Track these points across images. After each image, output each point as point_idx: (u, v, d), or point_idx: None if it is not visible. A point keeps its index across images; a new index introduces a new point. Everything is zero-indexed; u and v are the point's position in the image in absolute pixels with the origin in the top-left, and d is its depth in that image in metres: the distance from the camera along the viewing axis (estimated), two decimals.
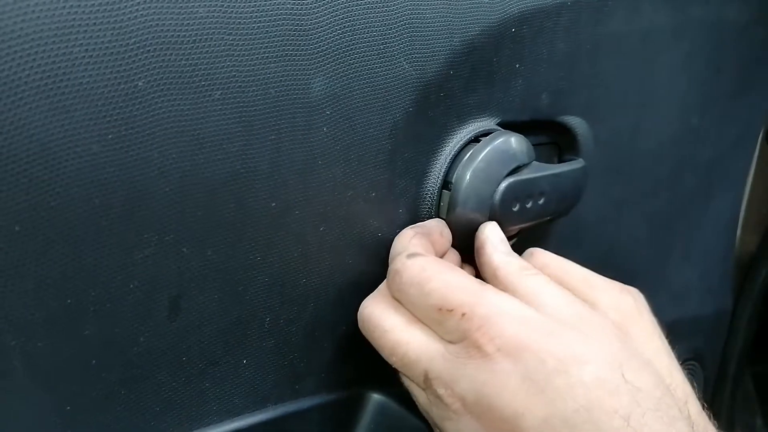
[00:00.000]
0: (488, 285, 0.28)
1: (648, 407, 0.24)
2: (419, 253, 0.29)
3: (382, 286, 0.30)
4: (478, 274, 0.31)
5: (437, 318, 0.27)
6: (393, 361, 0.28)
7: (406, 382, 0.29)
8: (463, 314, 0.26)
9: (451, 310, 0.26)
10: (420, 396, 0.29)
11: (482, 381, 0.25)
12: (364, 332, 0.30)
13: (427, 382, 0.27)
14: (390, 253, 0.31)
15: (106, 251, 0.24)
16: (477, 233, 0.32)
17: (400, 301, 0.29)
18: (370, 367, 0.34)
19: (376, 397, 0.35)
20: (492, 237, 0.31)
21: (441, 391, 0.26)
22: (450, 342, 0.27)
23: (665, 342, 0.30)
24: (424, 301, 0.27)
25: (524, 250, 0.33)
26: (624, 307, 0.30)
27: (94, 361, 0.25)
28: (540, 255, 0.32)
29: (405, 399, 0.35)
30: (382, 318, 0.29)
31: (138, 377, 0.26)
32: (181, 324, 0.27)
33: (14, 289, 0.22)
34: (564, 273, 0.31)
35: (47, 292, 0.23)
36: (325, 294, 0.31)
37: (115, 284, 0.24)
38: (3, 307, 0.22)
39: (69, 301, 0.23)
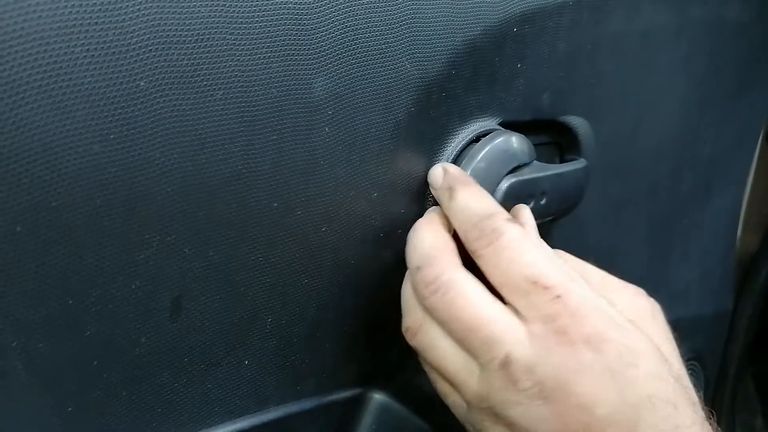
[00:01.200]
0: (576, 275, 0.28)
1: (681, 394, 0.26)
2: (517, 221, 0.28)
3: (451, 252, 0.29)
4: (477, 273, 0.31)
5: (527, 289, 0.26)
6: (466, 337, 0.27)
7: (450, 364, 0.28)
8: (558, 296, 0.26)
9: (547, 288, 0.26)
10: (474, 381, 0.27)
11: (566, 368, 0.25)
12: (433, 300, 0.27)
13: (505, 365, 0.26)
14: (469, 211, 0.29)
15: (107, 251, 0.23)
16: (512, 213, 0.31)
17: (486, 265, 0.27)
18: (372, 368, 0.34)
19: (378, 398, 0.35)
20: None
21: (520, 374, 0.26)
22: (532, 321, 0.26)
23: (676, 347, 0.30)
24: (518, 269, 0.27)
25: None
26: (640, 309, 0.30)
27: (95, 362, 0.25)
28: (559, 254, 0.32)
29: (407, 399, 0.35)
30: (468, 288, 0.27)
31: (139, 378, 0.26)
32: (182, 324, 0.27)
33: (15, 289, 0.22)
34: (582, 272, 0.31)
35: (48, 293, 0.23)
36: (327, 294, 0.31)
37: (116, 284, 0.24)
38: (4, 307, 0.22)
39: (70, 301, 0.23)
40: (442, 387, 0.29)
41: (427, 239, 0.29)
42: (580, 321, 0.26)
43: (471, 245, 0.28)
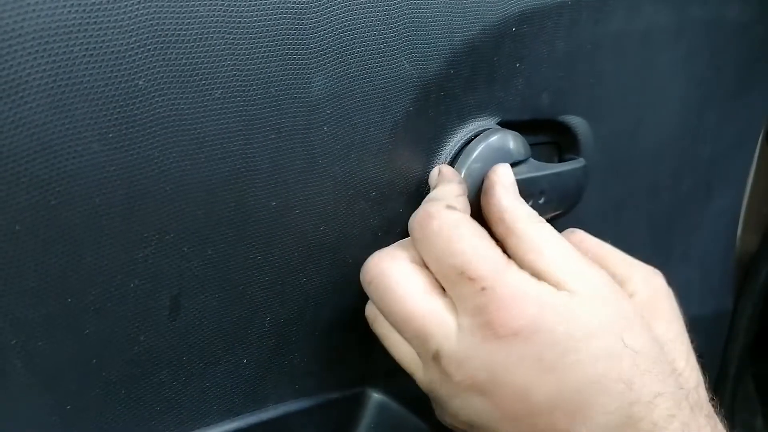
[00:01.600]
0: (512, 262, 0.27)
1: (646, 368, 0.25)
2: (458, 209, 0.28)
3: (401, 242, 0.29)
4: None
5: (454, 280, 0.26)
6: (401, 329, 0.27)
7: (401, 355, 0.28)
8: (483, 288, 0.25)
9: (473, 279, 0.26)
10: (421, 372, 0.28)
11: (496, 361, 0.25)
12: (369, 292, 0.28)
13: (437, 359, 0.26)
14: (427, 194, 0.30)
15: (106, 250, 0.24)
16: (488, 173, 0.31)
17: (421, 251, 0.27)
18: (370, 367, 0.34)
19: (376, 397, 0.35)
20: (504, 179, 0.30)
21: (451, 369, 0.26)
22: (461, 313, 0.26)
23: (684, 328, 0.31)
24: (448, 260, 0.26)
25: None
26: (655, 285, 0.31)
27: (94, 360, 0.25)
28: (579, 233, 0.33)
29: (406, 398, 0.35)
30: (399, 280, 0.27)
31: (138, 376, 0.26)
32: (181, 323, 0.27)
33: (15, 287, 0.22)
34: (602, 247, 0.32)
35: (48, 291, 0.23)
36: (326, 293, 0.31)
37: (115, 283, 0.24)
38: (3, 305, 0.22)
39: (69, 299, 0.23)
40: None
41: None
42: (509, 313, 0.25)
43: (413, 232, 0.28)
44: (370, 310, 0.30)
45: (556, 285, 0.26)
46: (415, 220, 0.28)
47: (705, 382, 0.30)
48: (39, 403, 0.24)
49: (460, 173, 0.32)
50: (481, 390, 0.26)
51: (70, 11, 0.20)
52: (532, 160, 0.34)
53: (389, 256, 0.28)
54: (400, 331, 0.28)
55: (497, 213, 0.29)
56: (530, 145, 0.34)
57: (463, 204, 0.29)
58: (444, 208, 0.27)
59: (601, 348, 0.25)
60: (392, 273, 0.27)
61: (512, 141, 0.33)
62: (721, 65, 0.47)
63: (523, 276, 0.26)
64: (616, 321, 0.26)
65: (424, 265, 0.28)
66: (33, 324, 0.23)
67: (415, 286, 0.27)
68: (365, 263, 0.29)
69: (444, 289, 0.27)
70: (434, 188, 0.31)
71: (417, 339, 0.27)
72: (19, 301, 0.22)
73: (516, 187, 0.31)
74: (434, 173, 0.31)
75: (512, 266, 0.27)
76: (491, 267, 0.26)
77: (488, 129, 0.33)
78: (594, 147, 0.39)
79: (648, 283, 0.31)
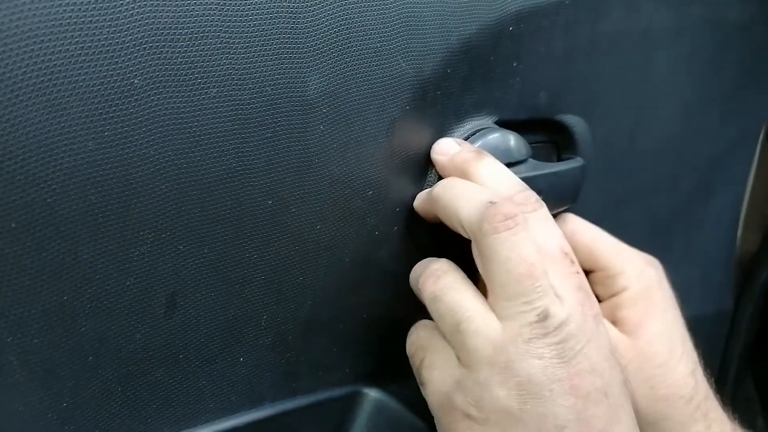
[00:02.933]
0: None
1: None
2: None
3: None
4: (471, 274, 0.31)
5: (559, 258, 0.28)
6: (520, 281, 0.27)
7: (466, 307, 0.28)
8: (578, 272, 0.28)
9: (574, 262, 0.28)
10: (493, 323, 0.27)
11: (585, 332, 0.27)
12: (503, 229, 0.27)
13: (544, 317, 0.27)
14: (509, 176, 0.30)
15: (102, 248, 0.24)
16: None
17: (529, 225, 0.28)
18: (367, 365, 0.34)
19: (373, 395, 0.35)
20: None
21: (552, 329, 0.26)
22: (559, 286, 0.27)
23: (679, 312, 0.34)
24: (553, 240, 0.28)
25: None
26: (648, 277, 0.34)
27: (90, 358, 0.25)
28: (572, 220, 0.35)
29: (402, 397, 0.35)
30: (520, 238, 0.27)
31: (134, 374, 0.26)
32: (177, 321, 0.27)
33: (10, 285, 0.22)
34: (595, 239, 0.34)
35: (43, 289, 0.23)
36: (322, 292, 0.31)
37: (111, 281, 0.24)
38: None
39: (65, 297, 0.23)
40: (430, 358, 0.29)
41: (483, 192, 0.29)
42: (591, 299, 0.28)
43: (515, 208, 0.27)
44: (440, 266, 0.30)
45: None
46: (524, 202, 0.29)
47: (701, 365, 0.33)
48: (35, 401, 0.24)
49: None
50: (565, 355, 0.26)
51: (65, 10, 0.21)
52: (530, 159, 0.34)
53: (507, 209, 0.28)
54: (506, 281, 0.27)
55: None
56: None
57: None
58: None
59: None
60: (528, 225, 0.28)
61: (511, 140, 0.33)
62: (721, 65, 0.46)
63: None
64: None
65: None
66: (29, 321, 0.23)
67: (530, 245, 0.27)
68: (499, 207, 0.27)
69: None
70: (483, 157, 0.31)
71: (533, 294, 0.26)
72: (15, 299, 0.22)
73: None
74: (448, 142, 0.32)
75: None
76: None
77: (486, 128, 0.33)
78: (593, 146, 0.39)
79: (641, 276, 0.33)
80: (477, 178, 0.30)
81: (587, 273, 0.34)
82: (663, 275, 0.34)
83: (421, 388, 0.29)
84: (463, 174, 0.30)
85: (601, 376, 0.26)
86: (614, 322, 0.34)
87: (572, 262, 0.28)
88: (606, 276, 0.34)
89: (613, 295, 0.34)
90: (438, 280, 0.29)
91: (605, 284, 0.34)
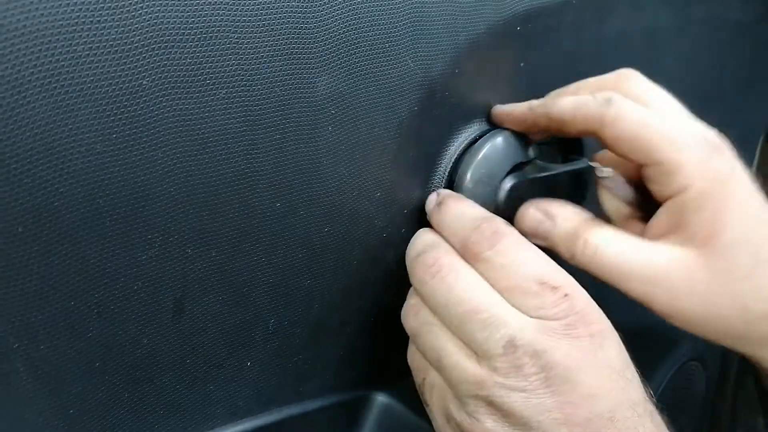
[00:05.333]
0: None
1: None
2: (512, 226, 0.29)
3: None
4: None
5: (535, 290, 0.26)
6: (463, 320, 0.26)
7: (442, 349, 0.27)
8: (566, 294, 0.26)
9: (556, 288, 0.26)
10: (472, 365, 0.26)
11: (573, 357, 0.25)
12: (422, 278, 0.28)
13: (509, 348, 0.25)
14: (465, 216, 0.29)
15: (109, 252, 0.23)
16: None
17: (488, 267, 0.27)
18: (375, 369, 0.34)
19: (381, 399, 0.35)
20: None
21: (525, 359, 0.25)
22: (538, 318, 0.26)
23: (765, 205, 0.28)
24: (525, 271, 0.27)
25: None
26: (715, 168, 0.27)
27: (97, 363, 0.25)
28: (616, 104, 0.29)
29: (410, 401, 0.35)
30: (467, 272, 0.27)
31: (142, 379, 0.26)
32: (185, 326, 0.26)
33: (17, 290, 0.22)
34: (642, 124, 0.28)
35: (50, 294, 0.22)
36: (330, 295, 0.30)
37: (118, 285, 0.24)
38: (5, 308, 0.22)
39: (72, 302, 0.23)
40: (430, 379, 0.29)
41: (428, 234, 0.30)
42: (587, 318, 0.26)
43: (472, 248, 0.28)
44: (415, 302, 0.29)
45: None
46: (480, 240, 0.28)
47: None
48: (42, 407, 0.24)
49: (465, 173, 0.32)
50: (551, 386, 0.25)
51: (73, 10, 0.20)
52: (537, 161, 0.34)
53: (452, 251, 0.28)
54: (464, 322, 0.26)
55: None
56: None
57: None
58: (506, 225, 0.28)
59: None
60: (461, 265, 0.28)
61: (517, 142, 0.33)
62: (722, 65, 0.47)
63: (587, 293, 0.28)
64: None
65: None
66: (35, 327, 0.23)
67: (480, 281, 0.27)
68: (426, 256, 0.28)
69: None
70: (446, 204, 0.30)
71: (488, 327, 0.26)
72: (22, 304, 0.22)
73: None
74: (432, 196, 0.31)
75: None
76: (565, 276, 0.27)
77: (493, 130, 0.33)
78: (597, 146, 0.39)
79: (706, 169, 0.27)
80: (438, 227, 0.30)
81: (639, 167, 0.29)
82: (734, 160, 0.28)
83: (425, 407, 0.29)
84: (434, 226, 0.31)
85: (605, 398, 0.25)
86: (680, 231, 0.28)
87: (554, 288, 0.26)
88: (660, 172, 0.28)
89: (672, 196, 0.28)
90: (416, 315, 0.29)
91: (660, 182, 0.28)
